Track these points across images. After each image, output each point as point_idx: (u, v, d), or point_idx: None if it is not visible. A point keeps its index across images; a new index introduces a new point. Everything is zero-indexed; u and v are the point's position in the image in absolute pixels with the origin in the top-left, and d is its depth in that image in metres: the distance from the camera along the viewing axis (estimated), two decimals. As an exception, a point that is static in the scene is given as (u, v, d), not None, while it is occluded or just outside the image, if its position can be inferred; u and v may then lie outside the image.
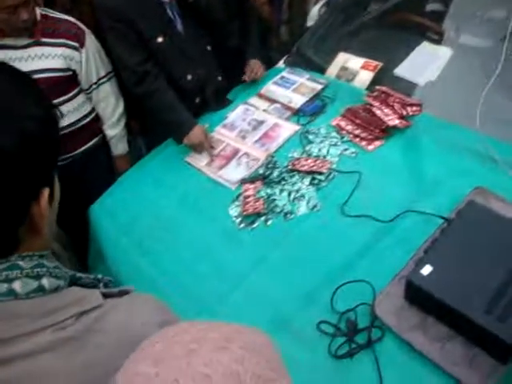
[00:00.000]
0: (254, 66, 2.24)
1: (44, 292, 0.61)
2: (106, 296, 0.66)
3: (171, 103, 1.98)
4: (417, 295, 1.24)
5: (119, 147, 2.20)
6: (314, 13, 2.47)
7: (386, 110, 1.78)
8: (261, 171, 1.81)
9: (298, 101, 2.05)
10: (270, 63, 2.39)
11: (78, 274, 0.71)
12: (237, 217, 1.67)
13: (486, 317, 1.11)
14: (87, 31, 1.95)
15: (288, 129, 1.95)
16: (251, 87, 2.25)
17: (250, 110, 2.11)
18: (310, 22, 2.46)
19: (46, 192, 0.61)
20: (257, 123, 2.03)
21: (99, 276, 0.74)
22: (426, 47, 2.04)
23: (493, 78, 1.70)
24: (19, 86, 0.61)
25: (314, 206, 1.62)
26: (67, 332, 0.59)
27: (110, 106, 2.09)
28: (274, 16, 2.52)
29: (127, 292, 0.71)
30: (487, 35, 2.04)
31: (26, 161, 0.57)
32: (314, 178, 1.71)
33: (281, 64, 2.37)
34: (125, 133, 2.19)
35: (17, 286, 0.58)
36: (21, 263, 0.60)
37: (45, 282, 0.61)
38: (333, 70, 2.14)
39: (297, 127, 1.95)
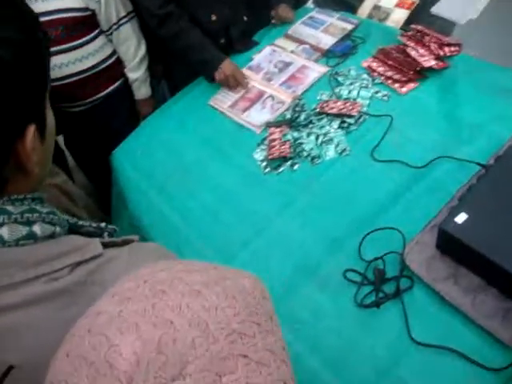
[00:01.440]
0: (283, 11, 2.13)
1: (35, 239, 0.56)
2: (107, 246, 0.62)
3: (198, 42, 1.90)
4: (449, 244, 1.18)
5: (142, 91, 2.14)
6: None
7: (422, 51, 1.67)
8: (287, 115, 1.74)
9: (327, 41, 1.94)
10: (297, 3, 2.27)
11: (80, 222, 0.66)
12: (262, 161, 1.62)
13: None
14: (106, -31, 1.86)
15: (316, 70, 1.86)
16: (278, 28, 2.15)
17: (277, 51, 2.02)
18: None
19: (31, 128, 0.55)
20: (283, 65, 1.93)
21: (102, 224, 0.69)
22: (467, -19, 1.89)
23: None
24: None
25: (343, 150, 1.55)
26: (60, 283, 0.55)
27: (131, 48, 2.01)
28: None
29: (131, 241, 0.66)
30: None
31: (3, 93, 0.51)
32: (343, 122, 1.63)
33: (309, 4, 2.24)
34: (147, 76, 2.12)
35: (4, 232, 0.54)
36: (9, 208, 0.55)
37: (36, 228, 0.56)
38: (365, 9, 2.02)
39: (325, 69, 1.85)
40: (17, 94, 0.53)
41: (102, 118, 2.05)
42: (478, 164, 1.35)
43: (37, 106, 0.58)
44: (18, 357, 0.52)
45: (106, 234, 0.69)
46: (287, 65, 1.93)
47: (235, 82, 1.91)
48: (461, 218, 1.16)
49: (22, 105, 0.54)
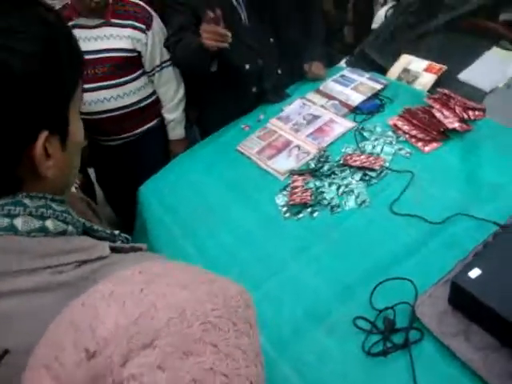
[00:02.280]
0: (316, 68, 2.23)
1: (47, 233, 0.59)
2: (116, 250, 0.64)
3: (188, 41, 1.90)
4: (462, 299, 1.18)
5: (176, 131, 2.24)
6: (381, 15, 2.43)
7: (447, 113, 1.72)
8: (312, 164, 1.79)
9: (356, 98, 2.02)
10: (331, 63, 2.37)
11: (95, 227, 0.70)
12: (283, 206, 1.66)
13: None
14: (155, 15, 2.01)
15: (343, 125, 1.92)
16: (310, 83, 2.24)
17: (307, 104, 2.10)
18: (375, 25, 2.43)
19: (43, 135, 0.57)
20: (312, 117, 2.01)
21: (116, 232, 0.73)
22: (496, 53, 1.96)
23: None
24: (21, 6, 0.57)
25: (363, 202, 1.58)
26: (64, 277, 0.57)
27: (170, 89, 2.14)
28: (339, 16, 2.50)
29: (139, 249, 0.68)
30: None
31: (15, 101, 0.54)
32: (365, 174, 1.67)
33: (342, 63, 2.34)
34: (183, 118, 2.23)
35: (18, 222, 0.58)
36: (26, 201, 0.59)
37: (49, 223, 0.60)
38: (394, 71, 2.09)
39: (352, 124, 1.92)
40: (28, 102, 0.55)
41: (135, 154, 2.15)
42: (496, 224, 1.36)
43: (53, 115, 0.60)
44: (15, 342, 0.54)
45: (119, 241, 0.72)
46: (315, 118, 2.00)
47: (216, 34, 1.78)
48: (474, 273, 1.16)
49: (33, 112, 0.57)
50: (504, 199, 1.45)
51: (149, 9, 2.00)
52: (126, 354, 0.36)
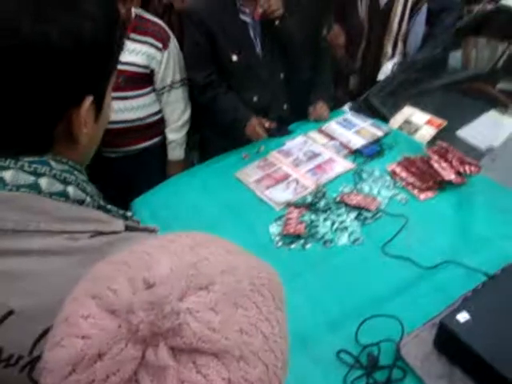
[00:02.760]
0: (321, 108, 2.30)
1: (67, 199, 0.60)
2: (129, 229, 0.64)
3: (232, 104, 2.08)
4: (448, 341, 1.20)
5: (176, 152, 2.26)
6: (387, 68, 2.52)
7: (444, 165, 1.78)
8: (308, 199, 1.81)
9: (357, 142, 2.08)
10: (335, 106, 2.44)
11: (109, 206, 0.70)
12: (276, 235, 1.68)
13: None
14: (172, 36, 2.07)
15: (342, 165, 1.97)
16: (313, 123, 2.29)
17: (309, 142, 2.15)
18: (381, 76, 2.51)
19: (88, 100, 0.59)
20: (312, 154, 2.05)
21: (129, 213, 0.73)
22: (493, 116, 2.05)
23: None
24: None
25: (356, 240, 1.61)
26: (78, 243, 0.57)
27: (177, 110, 2.17)
28: (348, 64, 2.59)
29: (152, 231, 0.68)
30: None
31: (72, 59, 0.55)
32: (360, 214, 1.70)
33: (345, 108, 2.41)
34: (184, 140, 2.26)
35: (43, 182, 0.58)
36: (52, 163, 0.60)
37: (70, 189, 0.60)
38: (396, 121, 2.16)
39: (351, 165, 1.96)
40: (86, 65, 0.58)
41: (134, 168, 2.15)
42: (485, 274, 1.39)
43: (99, 82, 0.62)
44: (21, 302, 0.54)
45: (132, 222, 0.72)
46: (316, 155, 2.05)
47: (262, 131, 2.07)
48: (463, 316, 1.18)
49: (86, 75, 0.59)
50: (492, 252, 1.49)
51: (167, 29, 2.06)
52: (184, 291, 0.37)
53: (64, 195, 0.59)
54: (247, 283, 0.42)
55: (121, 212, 0.72)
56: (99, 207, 0.68)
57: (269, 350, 0.40)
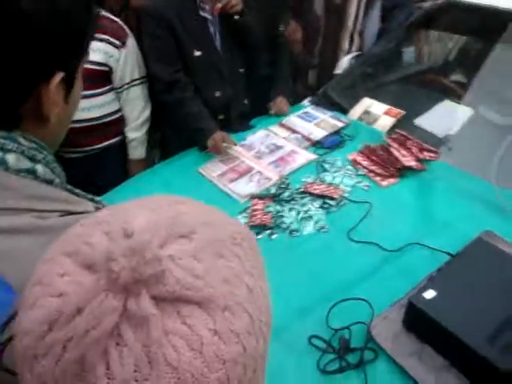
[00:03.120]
0: (280, 103, 2.32)
1: (36, 177, 0.58)
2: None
3: (198, 111, 2.04)
4: (416, 319, 1.22)
5: (137, 151, 2.22)
6: (344, 62, 2.57)
7: (404, 152, 1.82)
8: (272, 190, 1.82)
9: (318, 133, 2.10)
10: (295, 101, 2.46)
11: (77, 190, 0.68)
12: (242, 227, 1.67)
13: (487, 347, 1.08)
14: (130, 34, 2.04)
15: (304, 156, 1.99)
16: (274, 118, 2.31)
17: (270, 135, 2.16)
18: (338, 70, 2.56)
19: (58, 76, 0.58)
20: (274, 147, 2.06)
21: (97, 198, 0.71)
22: (447, 105, 2.11)
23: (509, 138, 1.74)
24: None
25: (321, 228, 1.62)
26: (48, 222, 0.55)
27: (136, 108, 2.14)
28: (305, 59, 2.62)
29: None
30: (503, 114, 2.11)
31: (46, 31, 0.54)
32: (324, 202, 1.72)
33: (305, 102, 2.43)
34: (145, 139, 2.23)
35: (10, 158, 0.56)
36: (20, 140, 0.58)
37: (39, 167, 0.58)
38: (356, 112, 2.20)
39: (313, 156, 1.98)
40: (58, 38, 0.56)
41: (93, 169, 2.10)
42: (448, 253, 1.42)
43: (70, 59, 0.61)
44: None
45: (101, 206, 0.70)
46: (278, 148, 2.06)
47: (224, 151, 2.03)
48: (429, 294, 1.21)
49: (57, 50, 0.57)
50: (453, 234, 1.53)
51: (125, 27, 2.03)
52: (165, 239, 0.36)
53: (32, 173, 0.57)
54: (227, 236, 0.40)
55: (89, 196, 0.70)
56: (67, 190, 0.66)
57: (253, 302, 0.39)
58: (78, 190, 0.68)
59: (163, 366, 0.32)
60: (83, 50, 0.64)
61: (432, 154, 1.81)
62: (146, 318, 0.33)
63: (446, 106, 2.11)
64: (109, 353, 0.32)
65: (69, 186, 0.67)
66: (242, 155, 2.05)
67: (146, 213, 0.38)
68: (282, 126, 2.22)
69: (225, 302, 0.36)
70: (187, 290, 0.34)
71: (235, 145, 2.06)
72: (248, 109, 2.26)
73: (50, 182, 0.60)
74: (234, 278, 0.38)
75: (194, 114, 2.03)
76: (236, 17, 1.98)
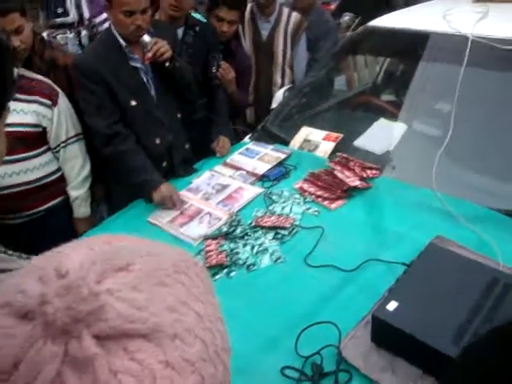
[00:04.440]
0: (223, 141, 2.33)
1: None
2: None
3: (141, 164, 2.01)
4: (383, 332, 1.22)
5: (82, 209, 2.16)
6: (279, 96, 2.63)
7: (347, 173, 1.86)
8: (224, 229, 1.80)
9: (262, 168, 2.12)
10: (235, 139, 2.48)
11: (10, 251, 0.66)
12: (199, 269, 1.64)
13: (453, 347, 1.08)
14: (60, 92, 2.02)
15: (251, 191, 1.99)
16: (217, 158, 2.31)
17: (215, 175, 2.16)
18: (274, 104, 2.62)
19: None
20: (221, 187, 2.06)
21: (35, 257, 0.69)
22: (383, 123, 2.18)
23: (443, 146, 1.81)
24: None
25: (278, 258, 1.61)
26: None
27: (76, 166, 2.09)
28: (241, 98, 2.67)
29: None
30: (436, 125, 2.21)
31: None
32: (277, 233, 1.72)
33: (246, 139, 2.46)
34: (88, 195, 2.17)
35: None
36: None
37: None
38: (296, 142, 2.24)
39: (260, 190, 2.00)
40: None
41: (39, 233, 2.02)
42: (403, 264, 1.44)
43: None
44: None
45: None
46: (224, 187, 2.05)
47: (171, 203, 1.98)
48: (392, 305, 1.21)
49: None
50: (405, 243, 1.57)
51: (54, 86, 2.01)
52: (101, 274, 0.33)
53: None
54: (170, 265, 0.39)
55: (24, 256, 0.68)
56: None
57: (205, 328, 0.37)
58: (10, 252, 0.66)
59: None
60: (1, 107, 0.63)
61: (374, 171, 1.86)
62: (89, 360, 0.30)
63: (381, 125, 2.18)
64: None
65: (2, 248, 0.65)
66: (190, 199, 2.03)
67: (81, 252, 0.36)
68: (226, 164, 2.23)
69: (173, 330, 0.34)
70: (131, 324, 0.32)
71: (181, 201, 2.02)
72: (190, 153, 2.26)
73: None
74: (180, 305, 0.36)
75: (136, 168, 2.00)
76: (167, 64, 2.00)
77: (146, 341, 0.32)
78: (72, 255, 0.35)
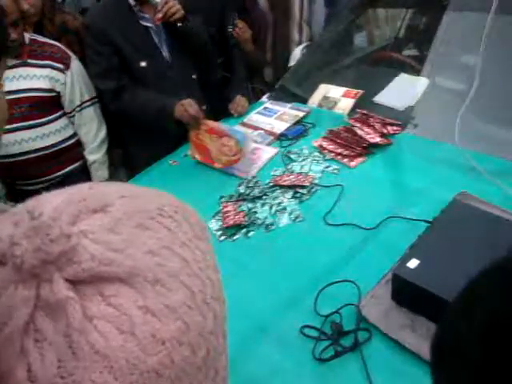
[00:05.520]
0: (240, 101, 2.28)
1: None
2: None
3: (152, 96, 1.99)
4: (404, 290, 1.19)
5: (99, 173, 2.17)
6: (297, 53, 2.56)
7: (367, 130, 1.80)
8: (241, 190, 1.78)
9: (280, 126, 2.07)
10: (254, 99, 2.44)
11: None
12: (217, 230, 1.63)
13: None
14: (73, 56, 2.00)
15: (268, 152, 1.96)
16: (235, 118, 2.28)
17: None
18: (292, 62, 2.54)
19: None
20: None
21: None
22: (404, 78, 2.10)
23: (468, 100, 1.73)
24: None
25: (297, 217, 1.59)
26: None
27: (92, 130, 2.09)
28: (258, 57, 2.60)
29: None
30: (460, 80, 2.12)
31: None
32: (296, 192, 1.69)
33: (264, 99, 2.41)
34: (106, 159, 2.18)
35: None
36: None
37: None
38: (314, 99, 2.18)
39: (276, 149, 1.96)
40: None
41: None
42: (426, 221, 1.40)
43: None
44: None
45: None
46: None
47: (194, 110, 1.94)
48: (413, 263, 1.18)
49: None
50: (428, 200, 1.52)
51: (66, 50, 1.99)
52: (75, 215, 0.31)
53: None
54: (154, 207, 0.36)
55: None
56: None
57: (192, 274, 0.34)
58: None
59: (91, 355, 0.28)
60: None
61: (395, 128, 1.80)
62: (62, 304, 0.28)
63: (403, 80, 2.10)
64: (27, 351, 0.28)
65: (10, 203, 0.63)
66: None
67: (61, 196, 0.34)
68: (244, 124, 2.19)
69: (153, 274, 0.31)
70: (106, 266, 0.30)
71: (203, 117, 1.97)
72: (207, 114, 2.22)
73: None
74: (163, 249, 0.33)
75: (150, 99, 1.97)
76: (179, 24, 1.95)
77: (123, 285, 0.30)
78: (51, 199, 0.33)
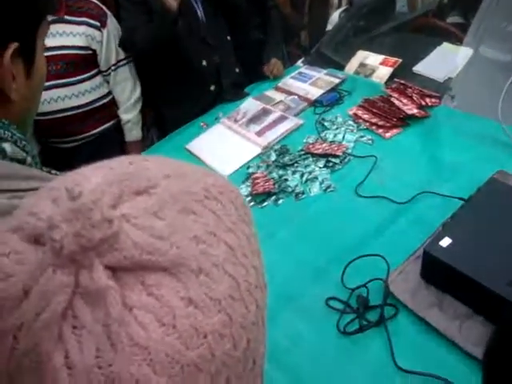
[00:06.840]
0: (276, 63, 2.24)
1: (4, 157, 0.55)
2: None
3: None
4: (434, 269, 1.17)
5: (133, 133, 2.18)
6: (335, 17, 2.49)
7: (405, 100, 1.75)
8: (272, 156, 1.77)
9: (315, 92, 2.03)
10: (289, 63, 2.39)
11: (53, 171, 0.65)
12: (247, 196, 1.63)
13: (509, 289, 1.03)
14: (109, 13, 1.98)
15: (288, 123, 1.92)
16: (269, 82, 2.25)
17: (258, 103, 2.09)
18: (329, 27, 2.48)
19: (12, 46, 0.56)
20: (263, 114, 2.00)
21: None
22: (446, 48, 2.02)
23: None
24: None
25: (328, 187, 1.57)
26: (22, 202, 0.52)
27: (126, 89, 2.09)
28: (295, 20, 2.54)
29: None
30: (507, 50, 2.03)
31: None
32: (328, 161, 1.67)
33: (299, 63, 2.36)
34: (139, 119, 2.18)
35: None
36: None
37: (6, 146, 0.55)
38: (351, 66, 2.13)
39: (301, 121, 1.92)
40: (9, 7, 0.54)
41: (91, 156, 2.05)
42: (460, 199, 1.37)
43: (23, 28, 0.59)
44: None
45: None
46: (266, 115, 2.00)
47: None
48: (445, 242, 1.16)
49: (7, 16, 0.55)
50: (463, 177, 1.48)
51: (103, 7, 1.96)
52: (117, 197, 0.30)
53: (0, 152, 0.54)
54: (200, 188, 0.34)
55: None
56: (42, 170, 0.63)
57: (237, 263, 0.33)
58: (54, 171, 0.64)
59: (130, 347, 0.27)
60: (38, 20, 0.61)
61: (434, 100, 1.75)
62: (101, 293, 0.27)
63: (444, 50, 2.02)
64: (65, 338, 0.27)
65: (46, 169, 0.64)
66: (230, 128, 2.00)
67: (101, 172, 0.32)
68: (278, 89, 2.16)
69: (198, 264, 0.30)
70: (149, 255, 0.29)
71: None
72: (240, 76, 2.19)
73: (22, 162, 0.57)
74: (209, 235, 0.32)
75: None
76: None
77: (166, 274, 0.29)
78: (90, 175, 0.31)
